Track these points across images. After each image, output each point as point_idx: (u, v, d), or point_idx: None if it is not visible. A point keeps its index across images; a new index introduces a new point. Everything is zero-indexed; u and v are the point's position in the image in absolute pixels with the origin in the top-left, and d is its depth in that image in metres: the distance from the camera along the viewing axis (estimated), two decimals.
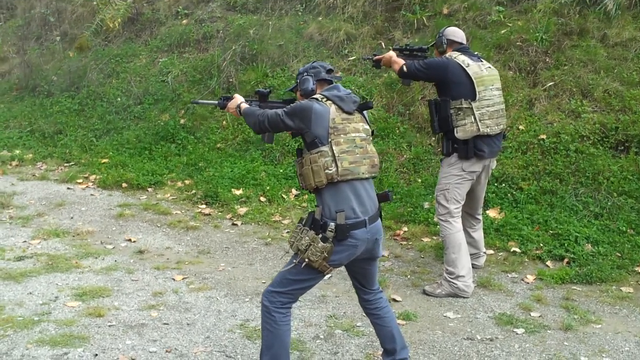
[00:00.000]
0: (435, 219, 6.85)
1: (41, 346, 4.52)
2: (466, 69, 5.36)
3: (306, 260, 3.65)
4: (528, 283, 5.84)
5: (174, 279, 5.82)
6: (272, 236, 6.91)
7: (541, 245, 6.38)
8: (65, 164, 9.45)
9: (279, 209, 7.56)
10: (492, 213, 6.87)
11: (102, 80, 11.05)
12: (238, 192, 7.85)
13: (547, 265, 6.15)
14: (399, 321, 4.96)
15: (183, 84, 10.29)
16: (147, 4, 12.12)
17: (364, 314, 4.79)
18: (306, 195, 7.67)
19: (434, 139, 7.99)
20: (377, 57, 5.90)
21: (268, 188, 7.87)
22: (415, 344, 4.69)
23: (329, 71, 4.06)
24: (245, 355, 4.48)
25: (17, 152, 9.91)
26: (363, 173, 3.76)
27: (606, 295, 5.58)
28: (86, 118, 10.47)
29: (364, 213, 3.73)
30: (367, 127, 3.93)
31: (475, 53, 5.67)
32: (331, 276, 5.87)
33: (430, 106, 5.57)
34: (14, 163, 9.61)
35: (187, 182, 8.39)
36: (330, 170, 3.67)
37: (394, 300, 5.42)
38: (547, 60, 8.16)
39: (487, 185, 6.12)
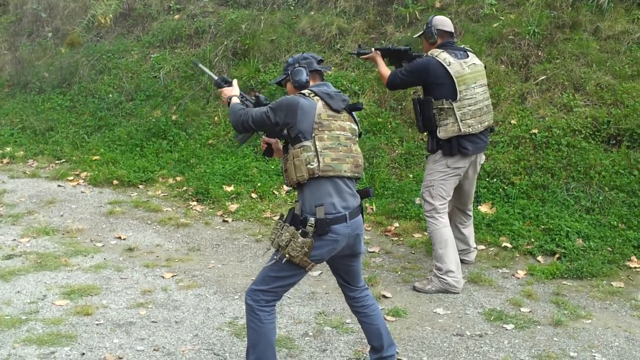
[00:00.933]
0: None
1: (28, 345, 4.49)
2: (447, 68, 5.32)
3: (287, 256, 3.64)
4: (519, 278, 5.82)
5: (163, 277, 5.79)
6: (262, 233, 6.88)
7: (532, 240, 6.36)
8: (56, 161, 9.40)
9: (270, 205, 7.53)
10: (483, 208, 6.84)
11: (94, 76, 10.99)
12: (229, 189, 7.82)
13: (538, 261, 6.13)
14: (388, 318, 4.95)
15: (175, 79, 10.24)
16: None
17: None
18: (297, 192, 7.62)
19: (425, 134, 7.96)
20: (362, 56, 5.92)
21: (259, 184, 7.84)
22: (405, 340, 4.67)
23: (319, 62, 4.02)
24: (234, 353, 4.46)
25: (8, 149, 9.86)
26: (345, 171, 3.72)
27: (597, 290, 5.56)
28: (77, 115, 10.41)
29: (345, 208, 3.71)
30: (355, 127, 3.90)
31: (462, 47, 5.62)
32: (321, 272, 5.84)
33: (414, 105, 5.55)
34: (5, 160, 9.56)
35: (178, 178, 8.36)
36: (312, 165, 3.64)
37: (384, 296, 5.40)
38: (540, 53, 8.13)
39: (478, 181, 6.10)
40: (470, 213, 5.99)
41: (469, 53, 5.53)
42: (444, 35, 5.52)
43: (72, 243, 6.57)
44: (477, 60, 5.54)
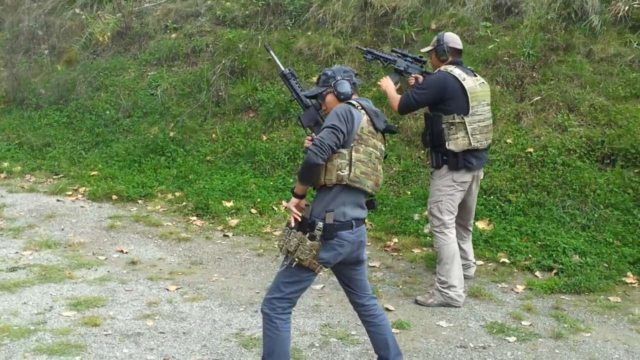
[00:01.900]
0: (426, 230, 6.96)
1: (39, 354, 4.54)
2: (463, 83, 5.46)
3: (296, 260, 3.78)
4: (518, 293, 5.93)
5: (167, 289, 5.85)
6: (264, 247, 6.96)
7: (530, 256, 6.48)
8: (54, 176, 9.44)
9: (270, 220, 7.61)
10: (481, 225, 6.95)
11: (91, 93, 11.06)
12: (229, 204, 7.89)
13: (536, 276, 6.24)
14: (392, 330, 5.02)
15: (172, 97, 10.33)
16: (136, 18, 12.16)
17: (358, 323, 4.89)
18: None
19: (423, 152, 8.08)
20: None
21: (259, 200, 7.92)
22: (410, 352, 4.76)
23: (355, 75, 4.15)
24: None
25: (6, 164, 9.89)
26: (368, 187, 3.90)
27: (595, 305, 5.68)
28: (75, 131, 10.46)
29: (353, 218, 3.88)
30: (383, 148, 4.05)
31: (469, 67, 5.77)
32: (324, 286, 5.93)
33: (426, 119, 5.67)
34: (2, 175, 9.59)
35: (177, 194, 8.42)
36: (343, 172, 3.79)
37: (387, 309, 5.48)
38: (534, 75, 8.30)
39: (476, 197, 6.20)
40: (471, 229, 6.11)
41: (475, 73, 5.68)
42: (454, 53, 5.65)
43: (74, 256, 6.61)
44: (483, 80, 5.71)
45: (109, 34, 11.26)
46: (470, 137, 5.47)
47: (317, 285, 5.90)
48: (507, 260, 6.46)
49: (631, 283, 6.05)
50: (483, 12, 9.24)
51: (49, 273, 6.11)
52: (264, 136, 9.07)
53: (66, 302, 5.48)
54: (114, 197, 8.47)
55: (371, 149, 3.90)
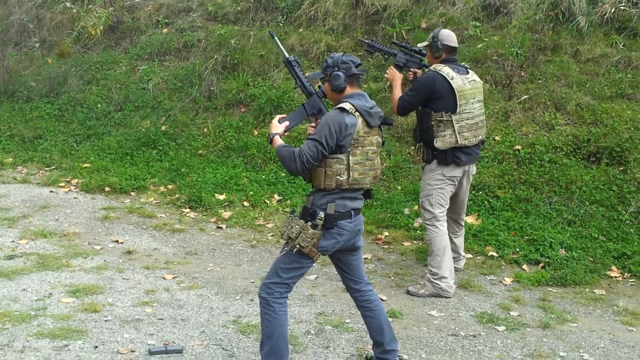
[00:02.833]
0: (416, 224, 7.11)
1: (41, 338, 4.64)
2: (450, 82, 5.60)
3: (297, 246, 3.93)
4: (506, 285, 6.09)
5: (164, 278, 5.95)
6: (257, 239, 7.08)
7: (517, 250, 6.65)
8: (46, 168, 9.50)
9: (263, 213, 7.73)
10: (469, 219, 7.11)
11: (82, 86, 11.11)
12: (221, 197, 8.00)
13: (524, 269, 6.41)
14: None
15: (164, 91, 10.41)
16: (127, 13, 12.22)
17: (352, 312, 5.05)
18: (289, 201, 7.85)
19: (413, 148, 8.24)
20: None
21: (251, 193, 8.03)
22: (403, 339, 4.90)
23: (358, 65, 4.14)
24: (241, 348, 4.65)
25: None
26: (366, 184, 4.08)
27: (580, 297, 5.86)
28: (66, 123, 10.51)
29: (352, 208, 4.06)
30: (380, 140, 4.18)
31: (462, 64, 5.91)
32: (317, 277, 6.06)
33: (417, 116, 5.83)
34: None
35: (169, 186, 8.51)
36: (341, 177, 3.96)
37: (380, 299, 5.60)
38: (522, 74, 8.48)
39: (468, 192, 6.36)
40: (462, 223, 6.26)
41: (468, 70, 5.83)
42: (448, 50, 5.79)
43: (70, 245, 6.70)
44: (476, 77, 5.85)
45: (101, 27, 11.31)
46: (457, 135, 5.62)
47: (311, 275, 6.04)
48: (495, 254, 6.62)
49: (615, 277, 6.23)
50: (472, 11, 9.42)
51: (46, 261, 6.20)
52: (255, 131, 9.18)
53: (65, 289, 5.58)
54: (107, 189, 8.54)
55: (368, 148, 4.04)
